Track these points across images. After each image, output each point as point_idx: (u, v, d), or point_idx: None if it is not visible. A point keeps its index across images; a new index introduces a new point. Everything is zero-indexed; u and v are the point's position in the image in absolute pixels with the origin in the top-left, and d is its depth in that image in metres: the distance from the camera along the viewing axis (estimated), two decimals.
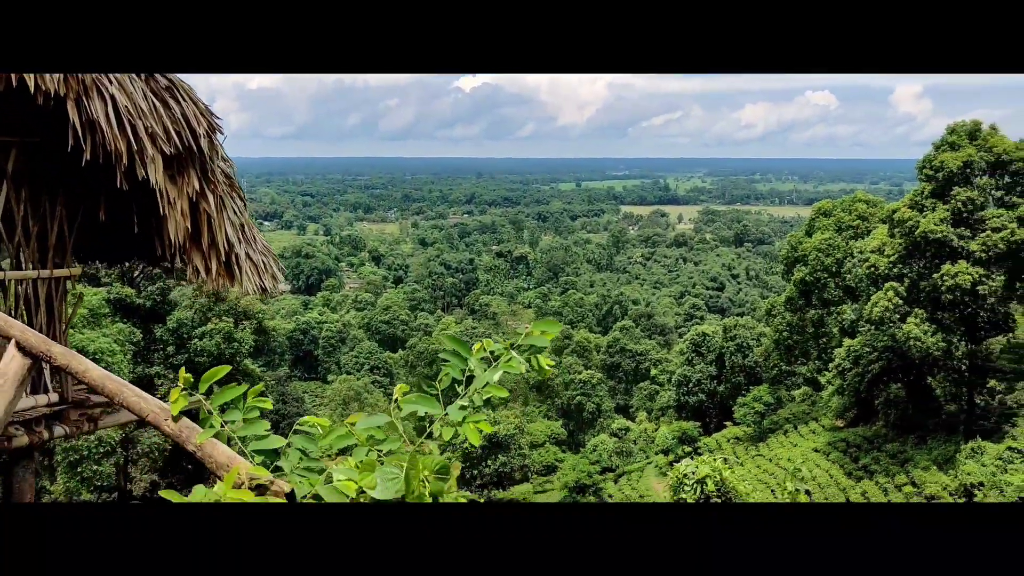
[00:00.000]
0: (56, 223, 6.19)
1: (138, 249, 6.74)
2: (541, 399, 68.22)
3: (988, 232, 32.86)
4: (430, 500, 2.05)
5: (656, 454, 49.48)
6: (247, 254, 5.75)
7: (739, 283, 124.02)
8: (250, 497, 2.04)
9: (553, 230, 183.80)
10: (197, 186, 5.40)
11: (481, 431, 2.31)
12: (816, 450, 40.40)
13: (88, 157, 4.92)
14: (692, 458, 8.34)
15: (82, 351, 23.53)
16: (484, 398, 2.37)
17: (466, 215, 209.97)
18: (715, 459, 8.31)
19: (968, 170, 33.75)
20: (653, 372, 73.84)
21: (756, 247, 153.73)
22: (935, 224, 33.16)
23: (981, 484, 29.91)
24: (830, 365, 43.05)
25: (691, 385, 61.22)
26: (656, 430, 60.69)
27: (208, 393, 2.51)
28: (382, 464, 2.19)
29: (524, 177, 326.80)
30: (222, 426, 2.47)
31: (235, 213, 5.70)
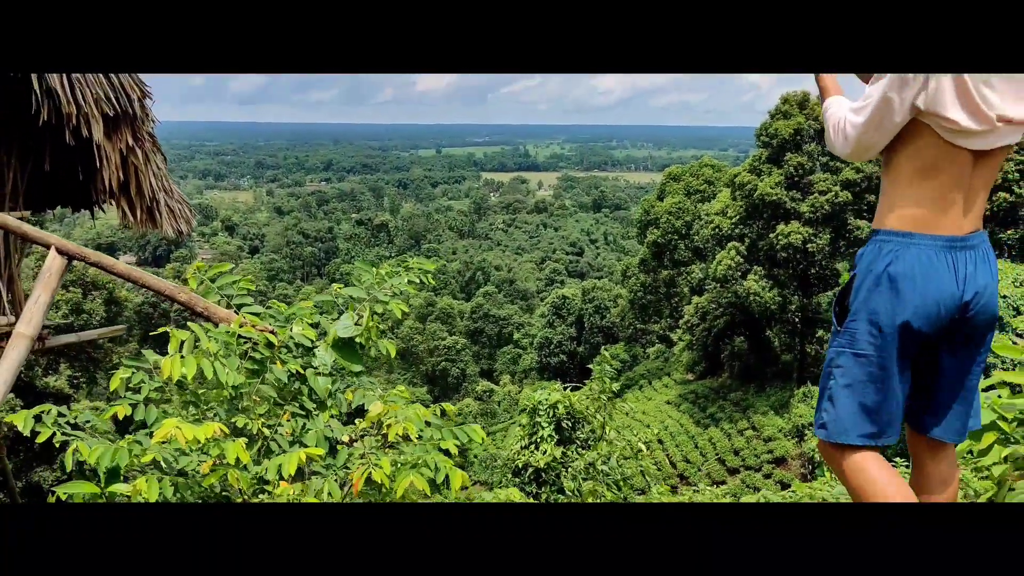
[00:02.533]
0: (11, 173, 7.04)
1: (69, 197, 7.76)
2: (406, 366, 68.53)
3: (816, 195, 35.70)
4: (380, 341, 3.04)
5: (519, 414, 50.84)
6: (166, 202, 6.59)
7: (597, 247, 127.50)
8: (250, 332, 2.88)
9: (414, 197, 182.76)
10: (129, 142, 6.39)
11: (403, 310, 3.56)
12: (668, 402, 42.89)
13: (45, 118, 5.85)
14: (544, 388, 9.21)
15: None
16: (399, 290, 3.62)
17: (324, 183, 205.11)
18: (563, 387, 9.24)
19: (799, 137, 36.45)
20: (516, 336, 75.56)
21: (613, 212, 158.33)
22: (771, 188, 35.71)
23: (810, 424, 32.87)
24: (680, 322, 45.67)
25: (552, 347, 63.26)
26: (519, 392, 62.42)
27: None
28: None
29: (383, 144, 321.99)
30: (221, 298, 3.71)
31: (157, 167, 6.49)
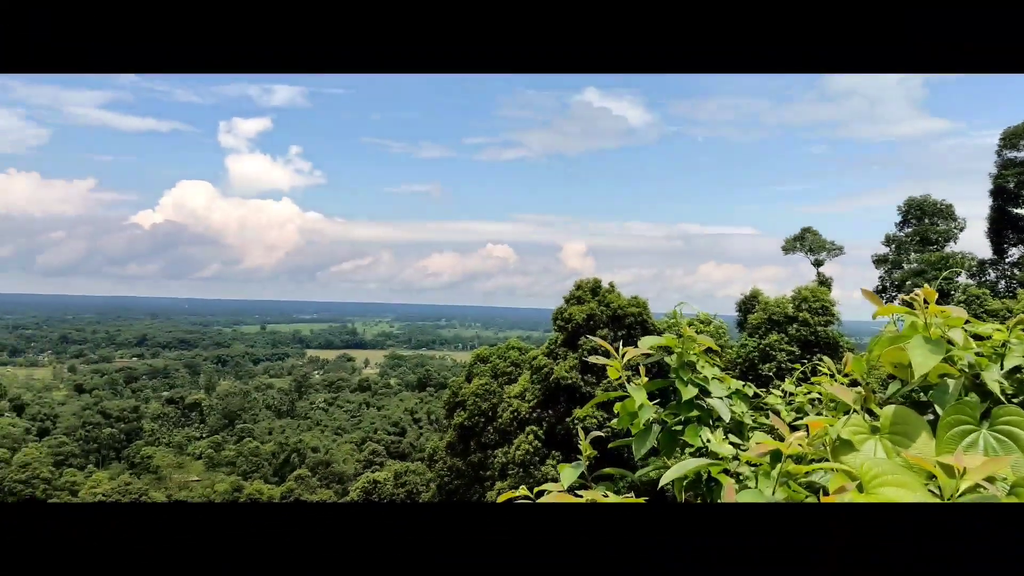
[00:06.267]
0: None
1: None
2: None
3: (609, 379, 36.87)
4: None
5: None
6: None
7: (420, 427, 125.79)
8: None
9: (233, 374, 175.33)
10: None
11: None
12: None
13: None
14: None
15: None
16: None
17: (135, 358, 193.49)
18: None
19: (592, 322, 37.93)
20: None
21: (438, 391, 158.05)
22: (566, 371, 36.52)
23: None
24: None
25: None
26: None
27: None
28: None
29: (205, 319, 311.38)
30: None
31: None
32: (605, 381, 36.62)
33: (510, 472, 41.22)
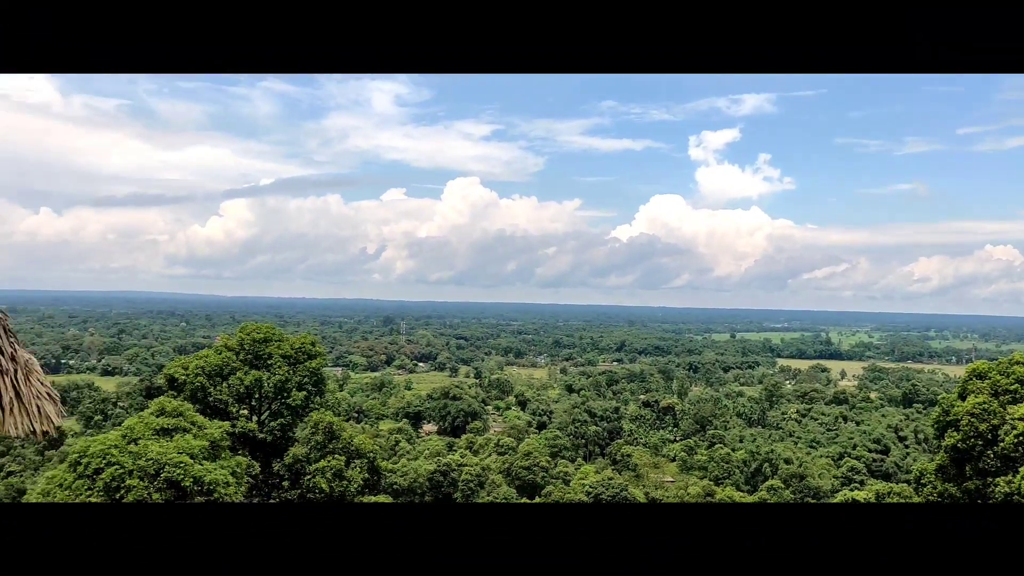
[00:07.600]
0: None
1: None
2: None
3: None
4: None
5: None
6: (11, 406, 7.25)
7: (907, 446, 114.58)
8: None
9: (704, 381, 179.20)
10: None
11: None
12: None
13: None
14: None
15: (198, 481, 25.04)
16: None
17: (615, 363, 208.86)
18: None
19: None
20: None
21: (928, 408, 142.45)
22: None
23: None
24: None
25: None
26: None
27: None
28: None
29: (676, 327, 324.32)
30: None
31: (11, 376, 7.19)
32: None
33: None
